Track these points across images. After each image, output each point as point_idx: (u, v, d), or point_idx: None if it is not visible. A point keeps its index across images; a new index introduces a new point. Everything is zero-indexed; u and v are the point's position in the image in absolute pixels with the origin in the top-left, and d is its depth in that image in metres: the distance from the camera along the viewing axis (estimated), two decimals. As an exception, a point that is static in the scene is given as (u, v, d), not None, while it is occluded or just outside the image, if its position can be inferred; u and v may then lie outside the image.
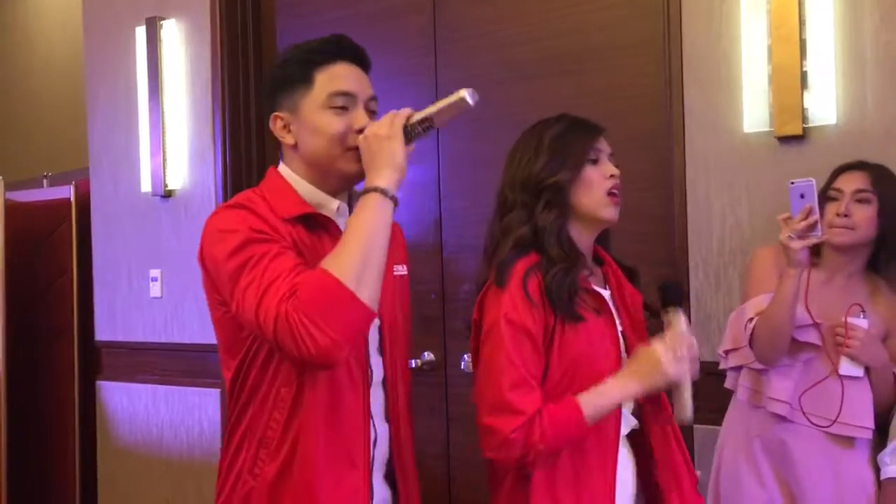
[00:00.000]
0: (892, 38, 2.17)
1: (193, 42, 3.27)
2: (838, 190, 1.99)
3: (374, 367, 1.56)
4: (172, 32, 3.32)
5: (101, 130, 3.53)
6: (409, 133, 1.44)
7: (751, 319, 2.01)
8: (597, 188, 1.57)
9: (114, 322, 3.48)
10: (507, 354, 1.48)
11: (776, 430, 2.01)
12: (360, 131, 1.48)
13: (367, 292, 1.34)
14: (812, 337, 1.97)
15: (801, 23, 2.23)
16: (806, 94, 2.24)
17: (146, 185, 3.37)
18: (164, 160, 3.31)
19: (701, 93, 2.39)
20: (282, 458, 1.46)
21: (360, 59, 1.57)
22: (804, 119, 2.23)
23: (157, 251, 3.36)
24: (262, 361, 1.49)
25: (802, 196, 1.88)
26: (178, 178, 3.31)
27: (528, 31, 2.74)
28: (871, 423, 1.93)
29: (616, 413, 1.56)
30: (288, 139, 1.55)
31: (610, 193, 1.58)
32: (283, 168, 1.58)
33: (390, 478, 1.60)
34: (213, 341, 3.43)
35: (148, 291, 3.38)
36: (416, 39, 2.93)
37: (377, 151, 1.43)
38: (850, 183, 1.99)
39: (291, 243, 1.46)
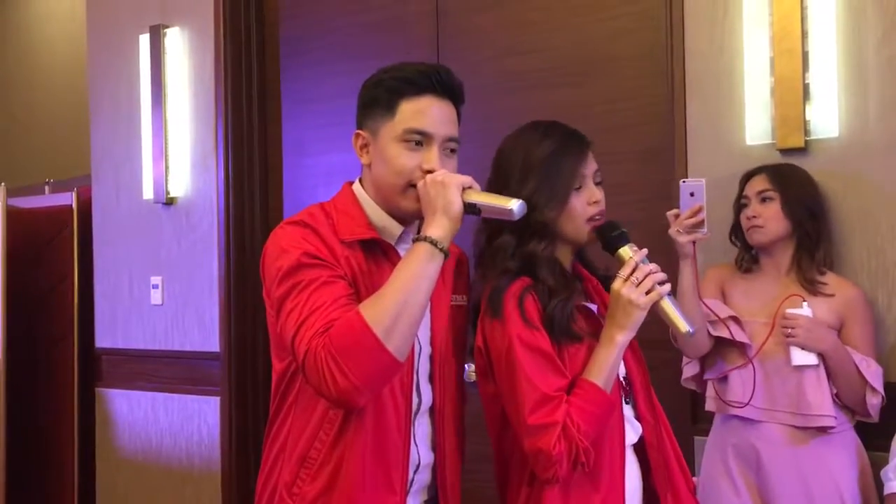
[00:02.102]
0: (894, 52, 2.17)
1: (197, 50, 3.28)
2: (746, 196, 2.14)
3: (423, 395, 1.56)
4: (176, 40, 3.33)
5: (103, 137, 3.54)
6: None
7: None
8: (578, 216, 1.57)
9: (114, 329, 3.48)
10: (525, 376, 1.47)
11: (745, 434, 2.08)
12: (428, 172, 1.47)
13: (396, 343, 1.33)
14: (723, 332, 2.06)
15: (804, 35, 2.24)
16: (808, 107, 2.24)
17: (148, 193, 3.37)
18: (167, 168, 3.31)
19: (703, 105, 2.39)
20: (324, 480, 1.47)
21: (451, 93, 1.55)
22: (806, 132, 2.24)
23: (158, 258, 3.36)
24: (296, 381, 1.50)
25: (692, 195, 1.98)
26: (179, 185, 3.31)
27: (530, 42, 2.74)
28: (830, 410, 1.99)
29: (619, 420, 1.56)
30: (364, 159, 1.56)
31: (590, 219, 1.58)
32: (356, 186, 1.60)
33: (431, 503, 1.60)
34: (214, 349, 3.45)
35: (148, 298, 3.38)
36: (419, 49, 2.93)
37: (434, 196, 1.41)
38: (754, 186, 2.13)
39: (346, 269, 1.46)
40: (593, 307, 1.65)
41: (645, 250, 1.55)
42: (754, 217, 2.10)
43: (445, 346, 1.59)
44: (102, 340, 3.52)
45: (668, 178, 2.46)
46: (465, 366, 2.57)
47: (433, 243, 1.38)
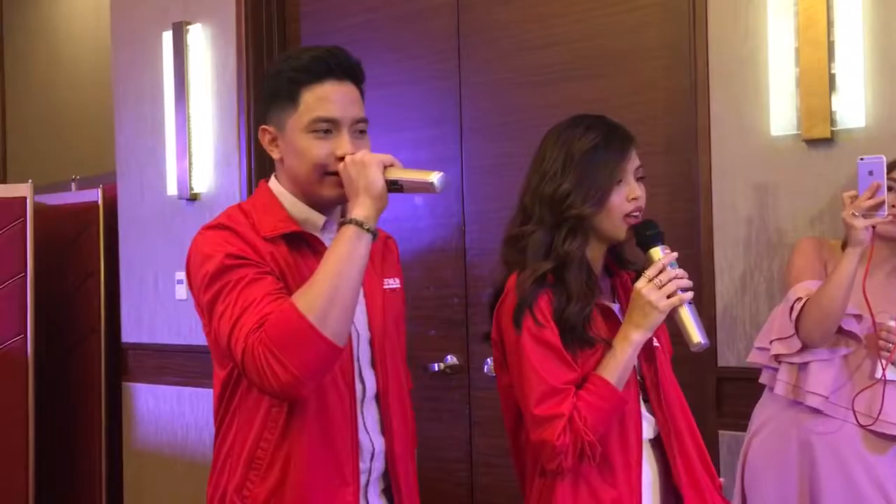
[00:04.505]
0: (922, 39, 2.14)
1: (219, 46, 3.30)
2: (895, 180, 1.96)
3: (366, 382, 1.56)
4: (199, 37, 3.35)
5: (128, 134, 3.57)
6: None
7: (799, 299, 1.98)
8: (616, 213, 1.55)
9: (140, 324, 3.51)
10: (533, 368, 1.49)
11: (811, 427, 2.00)
12: (342, 158, 1.46)
13: (333, 328, 1.32)
14: (853, 326, 1.96)
15: (830, 25, 2.21)
16: (834, 97, 2.21)
17: (172, 189, 3.40)
18: (190, 164, 3.33)
19: (727, 96, 2.37)
20: (273, 479, 1.47)
21: (351, 74, 1.53)
22: (832, 122, 2.21)
23: (182, 254, 3.32)
24: (237, 383, 1.51)
25: (871, 173, 1.84)
26: (203, 181, 3.34)
27: (552, 33, 2.73)
28: None
29: (636, 416, 1.55)
30: (275, 153, 1.56)
31: (628, 216, 1.56)
32: (273, 182, 1.60)
33: (389, 491, 1.60)
34: (238, 344, 3.41)
35: (173, 294, 3.40)
36: (440, 43, 2.93)
37: (356, 177, 1.41)
38: None
39: (273, 265, 1.46)
40: (615, 307, 1.64)
41: (675, 254, 1.54)
42: None
43: (384, 330, 1.59)
44: (128, 335, 3.56)
45: (693, 170, 2.44)
46: (488, 359, 2.55)
47: (359, 224, 1.37)
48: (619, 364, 1.50)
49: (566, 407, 1.46)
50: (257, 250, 1.45)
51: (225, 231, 1.48)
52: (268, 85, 1.56)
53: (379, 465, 1.57)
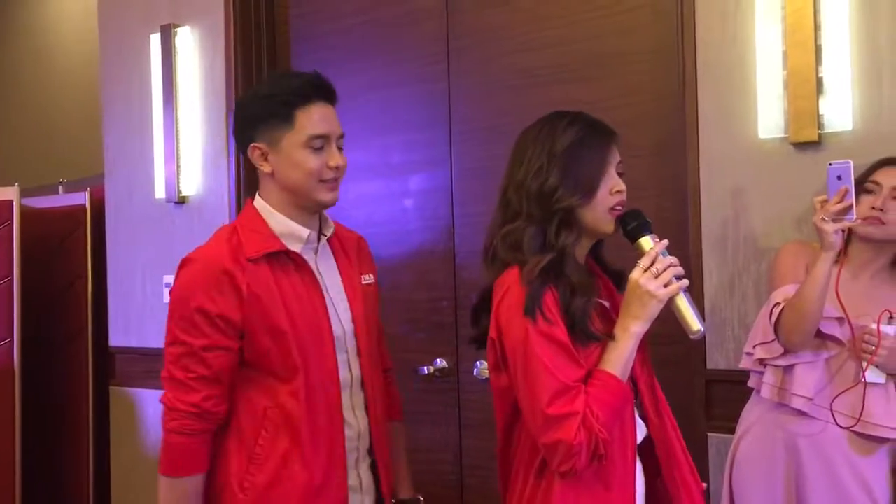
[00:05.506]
0: (908, 43, 2.15)
1: (208, 49, 3.29)
2: (876, 183, 1.97)
3: (353, 370, 1.79)
4: (187, 40, 3.34)
5: (115, 137, 3.55)
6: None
7: (777, 304, 1.99)
8: (601, 206, 1.56)
9: (128, 327, 3.49)
10: (544, 367, 1.45)
11: (796, 429, 2.00)
12: (335, 167, 1.72)
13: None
14: (835, 330, 1.96)
15: (817, 28, 2.22)
16: (821, 100, 2.22)
17: (160, 192, 3.38)
18: (178, 167, 3.32)
19: (715, 99, 2.38)
20: (270, 472, 1.67)
21: (333, 96, 1.78)
22: (820, 125, 2.22)
23: (170, 257, 3.37)
24: (234, 388, 1.73)
25: (839, 178, 1.87)
26: (191, 184, 3.32)
27: (540, 37, 2.74)
28: (895, 424, 1.92)
29: (631, 418, 1.55)
30: (265, 168, 1.74)
31: (612, 209, 1.57)
32: (258, 201, 1.77)
33: (375, 466, 1.83)
34: (226, 347, 3.39)
35: (161, 297, 3.39)
36: (429, 46, 2.93)
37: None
38: (891, 178, 1.96)
39: (245, 291, 1.64)
40: (606, 304, 1.64)
41: (665, 241, 1.54)
42: (881, 211, 1.93)
43: (365, 321, 1.81)
44: (116, 339, 3.54)
45: (681, 173, 2.45)
46: (477, 362, 2.55)
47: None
48: (621, 356, 1.50)
49: (579, 404, 1.43)
50: (233, 280, 1.64)
51: (206, 271, 1.66)
52: (256, 108, 1.74)
53: (364, 444, 1.80)
